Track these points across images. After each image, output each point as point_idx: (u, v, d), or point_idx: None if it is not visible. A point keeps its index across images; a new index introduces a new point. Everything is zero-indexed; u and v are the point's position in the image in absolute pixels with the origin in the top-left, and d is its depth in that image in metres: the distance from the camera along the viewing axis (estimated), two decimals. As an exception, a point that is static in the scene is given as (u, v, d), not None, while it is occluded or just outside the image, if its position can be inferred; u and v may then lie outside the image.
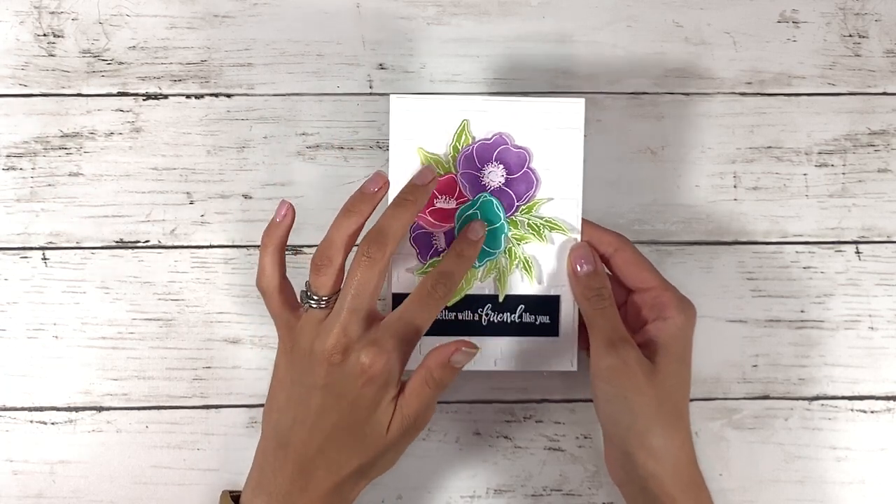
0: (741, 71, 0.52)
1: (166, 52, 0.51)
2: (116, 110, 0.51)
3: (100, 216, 0.50)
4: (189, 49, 0.51)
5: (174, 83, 0.51)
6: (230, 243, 0.50)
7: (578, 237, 0.44)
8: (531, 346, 0.44)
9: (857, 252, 0.51)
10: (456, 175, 0.44)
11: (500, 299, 0.44)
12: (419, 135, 0.44)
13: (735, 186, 0.51)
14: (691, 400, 0.49)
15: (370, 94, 0.51)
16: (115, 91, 0.51)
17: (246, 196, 0.50)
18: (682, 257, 0.51)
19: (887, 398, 0.50)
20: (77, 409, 0.49)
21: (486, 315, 0.44)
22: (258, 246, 0.50)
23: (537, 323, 0.44)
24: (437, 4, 0.52)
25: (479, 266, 0.44)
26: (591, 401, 0.50)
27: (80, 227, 0.50)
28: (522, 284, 0.44)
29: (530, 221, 0.44)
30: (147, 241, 0.50)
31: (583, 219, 0.44)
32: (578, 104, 0.44)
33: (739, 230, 0.51)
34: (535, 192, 0.44)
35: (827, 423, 0.50)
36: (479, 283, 0.44)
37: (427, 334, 0.43)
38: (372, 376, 0.39)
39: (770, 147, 0.51)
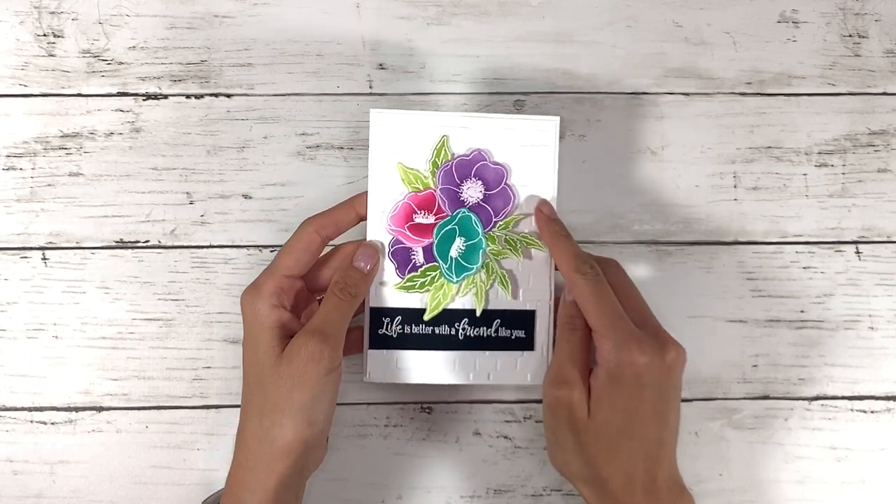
0: (741, 71, 0.52)
1: (166, 52, 0.51)
2: (116, 110, 0.51)
3: (100, 216, 0.50)
4: (189, 49, 0.51)
5: (174, 83, 0.51)
6: (230, 243, 0.50)
7: (549, 253, 0.44)
8: (507, 360, 0.45)
9: (857, 252, 0.51)
10: (435, 191, 0.44)
11: (478, 314, 0.44)
12: (399, 149, 0.44)
13: (735, 186, 0.51)
14: (692, 400, 0.50)
15: (370, 94, 0.51)
16: (115, 91, 0.51)
17: (246, 196, 0.50)
18: (682, 257, 0.51)
19: (887, 398, 0.50)
20: (77, 409, 0.49)
21: (463, 329, 0.45)
22: (258, 246, 0.50)
23: (513, 337, 0.45)
24: (437, 4, 0.52)
25: (458, 281, 0.44)
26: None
27: (80, 227, 0.50)
28: (499, 299, 0.45)
29: (508, 237, 0.44)
30: (147, 241, 0.50)
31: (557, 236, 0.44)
32: (552, 122, 0.44)
33: (739, 230, 0.51)
34: (512, 207, 0.44)
35: (827, 423, 0.50)
36: (459, 298, 0.44)
37: (406, 348, 0.44)
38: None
39: (770, 147, 0.51)
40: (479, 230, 0.44)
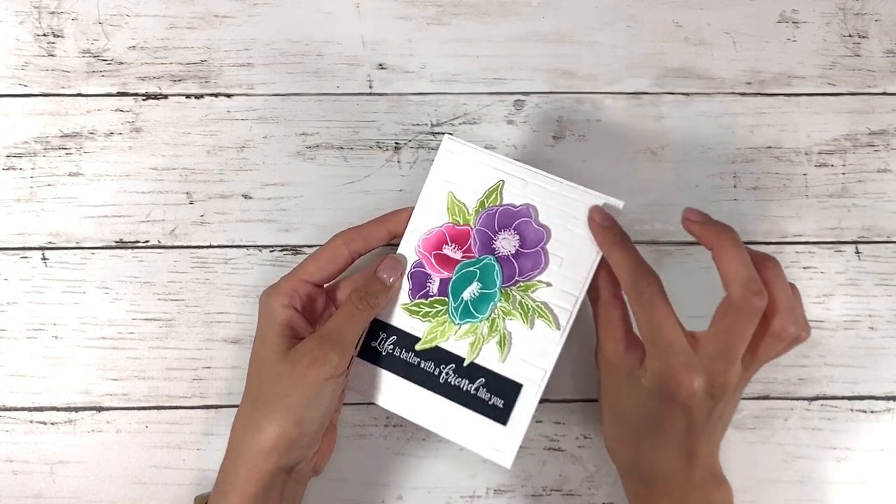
0: (741, 71, 0.52)
1: (166, 52, 0.51)
2: (116, 110, 0.51)
3: (100, 216, 0.50)
4: (189, 49, 0.51)
5: (174, 83, 0.51)
6: (230, 243, 0.50)
7: (562, 335, 0.43)
8: (475, 423, 0.43)
9: (857, 252, 0.51)
10: (472, 229, 0.44)
11: (465, 363, 0.43)
12: (456, 179, 0.44)
13: (735, 186, 0.51)
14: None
15: (370, 94, 0.51)
16: (115, 91, 0.51)
17: (246, 196, 0.50)
18: (681, 257, 0.51)
19: (887, 398, 0.50)
20: (77, 409, 0.49)
21: (447, 375, 0.43)
22: (258, 246, 0.50)
23: (490, 403, 0.43)
24: (437, 4, 0.52)
25: (459, 324, 0.43)
26: (591, 401, 0.50)
27: (80, 227, 0.50)
28: (492, 359, 0.43)
29: (522, 300, 0.43)
30: (147, 241, 0.50)
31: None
32: (617, 205, 0.43)
33: (739, 230, 0.50)
34: (538, 273, 0.43)
35: (827, 423, 0.50)
36: (454, 340, 0.43)
37: (389, 370, 0.44)
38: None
39: (770, 147, 0.51)
40: (498, 283, 0.43)
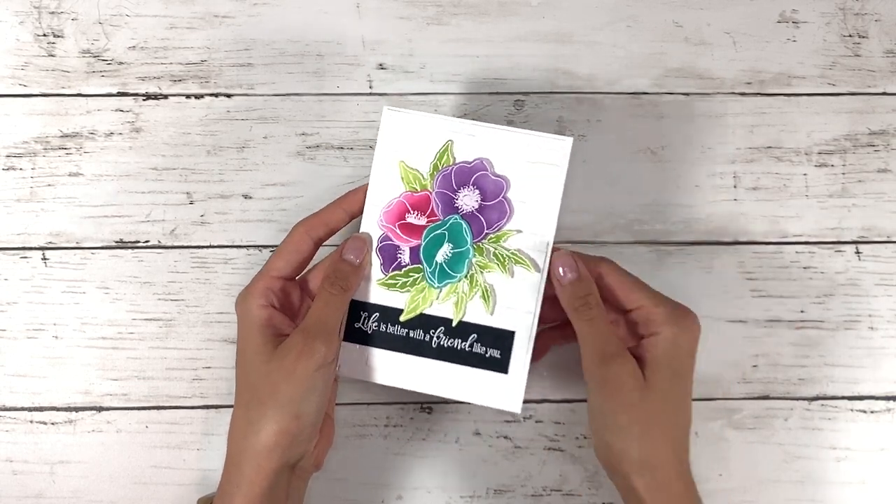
0: (741, 71, 0.52)
1: (166, 52, 0.51)
2: (116, 110, 0.51)
3: (100, 216, 0.50)
4: (189, 49, 0.51)
5: (174, 83, 0.51)
6: (230, 243, 0.50)
7: (542, 276, 0.43)
8: (477, 378, 0.43)
9: (857, 252, 0.51)
10: (431, 193, 0.44)
11: (454, 324, 0.43)
12: (404, 149, 0.44)
13: (735, 186, 0.51)
14: (692, 400, 0.49)
15: (370, 94, 0.51)
16: (115, 91, 0.51)
17: (246, 196, 0.50)
18: (681, 257, 0.51)
19: (887, 398, 0.50)
20: (77, 409, 0.49)
21: (438, 338, 0.43)
22: (258, 246, 0.50)
23: (487, 355, 0.43)
24: (437, 4, 0.52)
25: (439, 287, 0.43)
26: (591, 401, 0.50)
27: (80, 227, 0.50)
28: (479, 313, 0.43)
29: (496, 251, 0.43)
30: (147, 241, 0.50)
31: (561, 250, 0.43)
32: (565, 143, 0.43)
33: (739, 230, 0.51)
34: (506, 222, 0.43)
35: (827, 423, 0.50)
36: (437, 304, 0.43)
37: (378, 347, 0.44)
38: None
39: (770, 147, 0.51)
40: (469, 239, 0.43)
